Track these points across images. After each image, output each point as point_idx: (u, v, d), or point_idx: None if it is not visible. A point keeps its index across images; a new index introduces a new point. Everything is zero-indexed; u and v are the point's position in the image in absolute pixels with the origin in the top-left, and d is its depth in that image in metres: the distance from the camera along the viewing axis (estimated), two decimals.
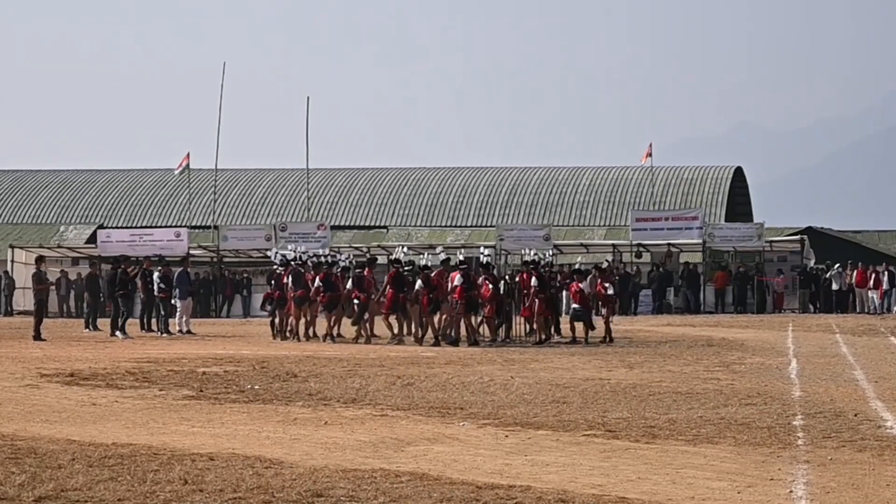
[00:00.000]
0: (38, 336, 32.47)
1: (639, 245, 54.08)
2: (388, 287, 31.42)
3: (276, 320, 33.30)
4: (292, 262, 33.50)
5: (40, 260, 36.42)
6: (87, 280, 40.42)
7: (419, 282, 30.95)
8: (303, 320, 32.72)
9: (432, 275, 31.04)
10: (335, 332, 32.36)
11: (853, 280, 50.55)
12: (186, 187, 65.44)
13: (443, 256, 32.92)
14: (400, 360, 24.88)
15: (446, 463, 12.00)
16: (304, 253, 34.74)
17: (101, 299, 40.59)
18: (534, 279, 31.59)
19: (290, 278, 32.70)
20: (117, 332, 34.17)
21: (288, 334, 32.80)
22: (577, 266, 33.56)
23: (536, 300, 31.40)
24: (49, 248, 56.64)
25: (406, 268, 31.89)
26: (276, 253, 35.81)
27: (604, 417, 15.44)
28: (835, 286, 51.03)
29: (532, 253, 34.08)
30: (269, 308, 34.34)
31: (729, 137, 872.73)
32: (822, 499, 10.32)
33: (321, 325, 32.83)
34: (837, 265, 51.53)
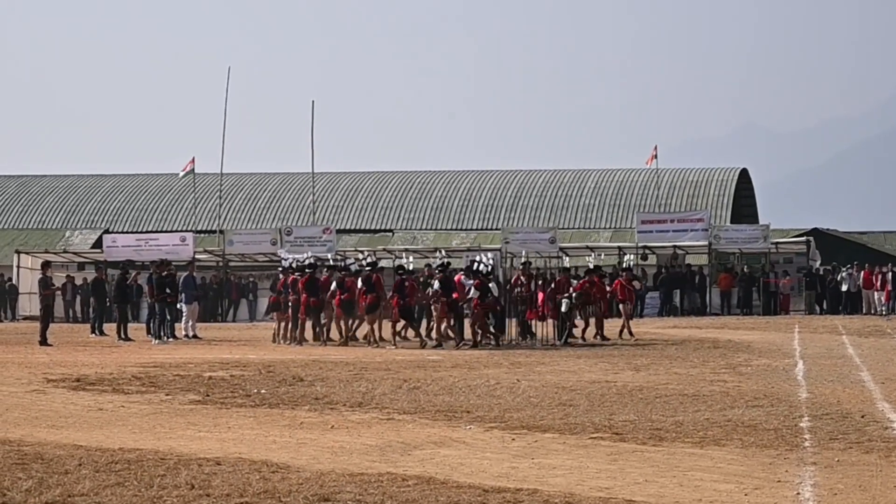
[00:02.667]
0: (44, 341, 32.49)
1: (644, 247, 54.06)
2: (302, 292, 32.41)
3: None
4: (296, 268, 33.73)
5: (46, 265, 36.42)
6: (93, 285, 40.40)
7: (333, 283, 32.29)
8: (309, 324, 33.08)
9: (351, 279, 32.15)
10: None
11: (861, 281, 50.50)
12: (192, 192, 65.51)
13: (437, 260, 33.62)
14: (406, 363, 24.88)
15: (453, 466, 11.99)
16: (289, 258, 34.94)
17: (108, 304, 40.60)
18: (436, 283, 31.47)
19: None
20: (161, 336, 34.10)
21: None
22: (476, 267, 32.40)
23: (440, 303, 31.26)
24: (55, 253, 56.72)
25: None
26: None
27: (610, 420, 15.43)
28: (844, 287, 50.96)
29: (481, 259, 33.77)
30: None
31: (734, 139, 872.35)
32: (829, 500, 10.30)
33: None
34: (847, 266, 51.47)
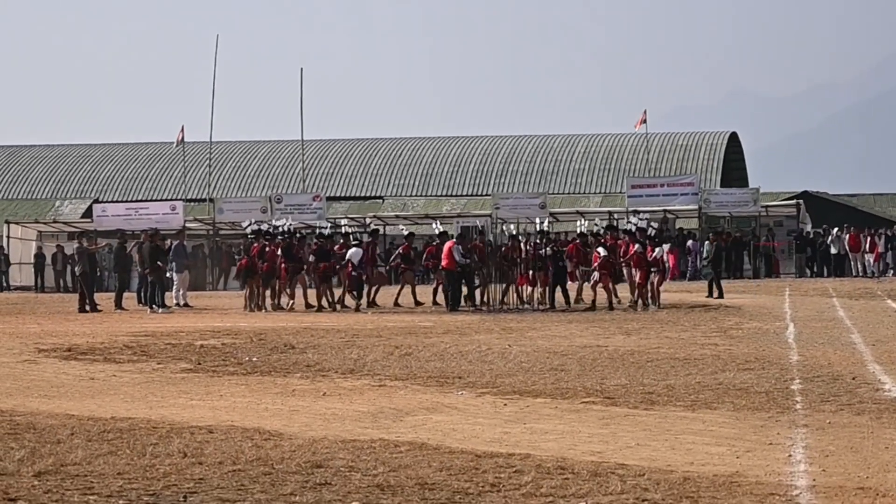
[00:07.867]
0: (83, 309, 33.06)
1: (635, 212, 53.99)
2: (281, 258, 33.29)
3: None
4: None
5: (82, 235, 36.94)
6: (116, 254, 39.00)
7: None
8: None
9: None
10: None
11: (847, 244, 50.59)
12: (181, 160, 65.33)
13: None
14: (397, 330, 24.88)
15: (445, 432, 12.00)
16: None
17: (98, 273, 40.41)
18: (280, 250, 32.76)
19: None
20: (154, 306, 33.68)
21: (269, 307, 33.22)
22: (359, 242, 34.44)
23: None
24: (45, 224, 56.62)
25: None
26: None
27: (602, 384, 15.45)
28: (833, 250, 51.06)
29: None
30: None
31: (723, 105, 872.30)
32: (820, 462, 10.32)
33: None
34: (836, 229, 51.54)
